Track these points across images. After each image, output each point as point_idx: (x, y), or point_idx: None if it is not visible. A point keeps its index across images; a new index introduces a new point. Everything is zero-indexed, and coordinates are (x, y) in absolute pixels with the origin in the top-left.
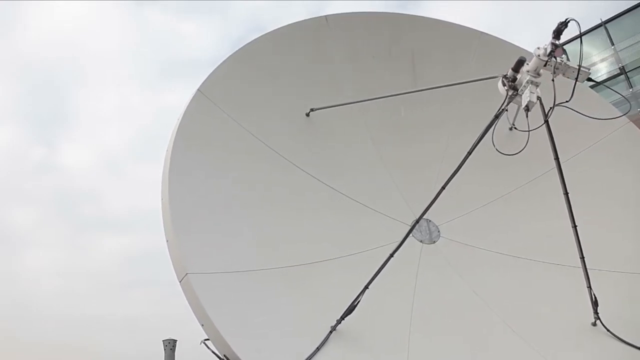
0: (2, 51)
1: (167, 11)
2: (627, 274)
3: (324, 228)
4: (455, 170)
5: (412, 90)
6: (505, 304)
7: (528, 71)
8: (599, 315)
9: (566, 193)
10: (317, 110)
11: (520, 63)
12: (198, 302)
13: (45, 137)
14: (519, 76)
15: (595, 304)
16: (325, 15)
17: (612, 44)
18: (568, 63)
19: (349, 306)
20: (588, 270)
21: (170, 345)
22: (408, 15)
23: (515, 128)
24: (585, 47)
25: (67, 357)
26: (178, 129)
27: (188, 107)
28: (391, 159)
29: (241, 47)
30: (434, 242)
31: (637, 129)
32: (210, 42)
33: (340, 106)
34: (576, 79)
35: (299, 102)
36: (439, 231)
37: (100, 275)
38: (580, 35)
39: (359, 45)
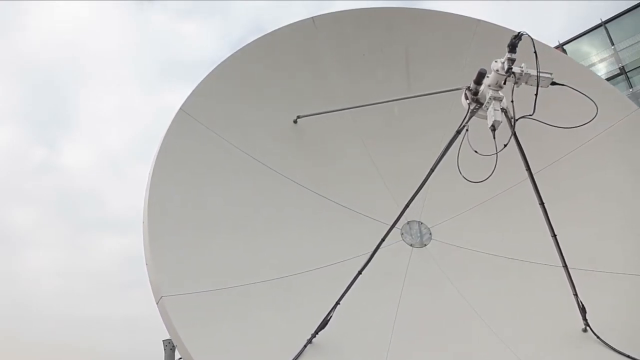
0: (3, 51)
1: (167, 11)
2: (626, 275)
3: (311, 237)
4: (419, 187)
5: (396, 98)
6: (494, 311)
7: (489, 85)
8: (589, 321)
9: (542, 203)
10: (306, 117)
11: (481, 75)
12: (172, 324)
13: (46, 137)
14: (481, 88)
15: (583, 310)
16: (312, 17)
17: (612, 44)
18: (529, 71)
19: (322, 321)
20: (584, 272)
21: (170, 346)
22: (399, 8)
23: (476, 152)
24: (585, 47)
25: (67, 357)
26: (159, 152)
27: (170, 127)
28: (384, 162)
29: (225, 59)
30: (425, 245)
31: None
32: (210, 43)
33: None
34: (536, 94)
35: (287, 111)
36: (430, 233)
37: (100, 275)
38: (535, 51)
39: (350, 45)
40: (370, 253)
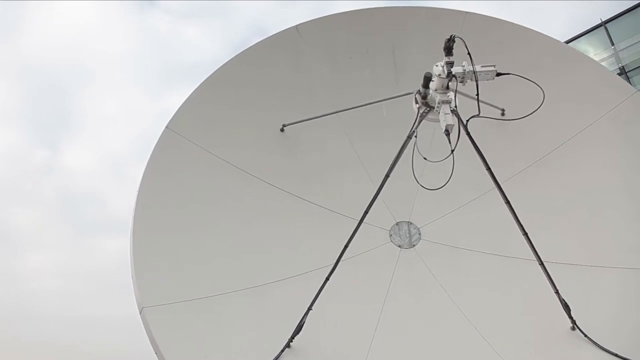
0: (6, 54)
1: (169, 14)
2: (624, 270)
3: (296, 243)
4: (375, 195)
5: (372, 101)
6: (482, 310)
7: (436, 89)
8: (575, 320)
9: (507, 202)
10: (293, 125)
11: (427, 79)
12: (151, 335)
13: (48, 139)
14: (430, 92)
15: (566, 308)
16: (296, 26)
17: (612, 44)
18: (471, 68)
19: (297, 326)
20: (585, 267)
21: None
22: (384, 7)
23: (426, 159)
24: (585, 47)
25: (67, 357)
26: (146, 169)
27: (157, 145)
28: (372, 163)
29: (212, 74)
30: (414, 245)
31: None
32: (212, 44)
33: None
34: (477, 94)
35: (275, 120)
36: (419, 234)
37: (101, 275)
38: (469, 52)
39: (335, 49)
40: (333, 264)
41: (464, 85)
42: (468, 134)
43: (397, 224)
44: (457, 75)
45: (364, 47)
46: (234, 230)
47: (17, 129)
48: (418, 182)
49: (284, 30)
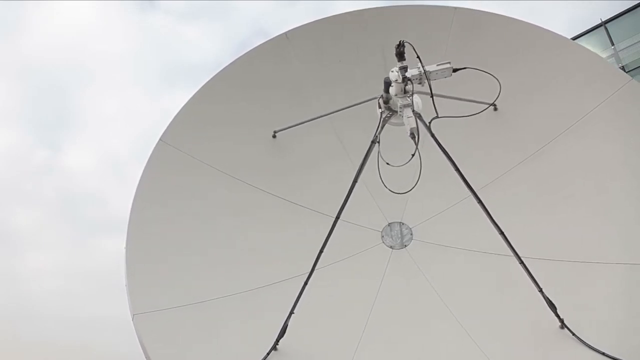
0: (6, 54)
1: (170, 14)
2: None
3: (289, 246)
4: (345, 200)
5: (360, 102)
6: (471, 309)
7: (396, 94)
8: (563, 319)
9: (480, 202)
10: (284, 130)
11: (386, 84)
12: (142, 341)
13: (48, 139)
14: (392, 97)
15: (552, 306)
16: (285, 32)
17: (612, 44)
18: (427, 68)
19: (281, 329)
20: (582, 263)
21: None
22: (373, 8)
23: (388, 164)
24: (585, 47)
25: (67, 357)
26: (140, 180)
27: (151, 157)
28: (366, 168)
29: (203, 85)
30: (405, 246)
31: None
32: (213, 45)
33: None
34: (432, 96)
35: (268, 126)
36: (411, 234)
37: (102, 275)
38: (418, 56)
39: (326, 53)
40: (311, 267)
41: (422, 86)
42: (432, 135)
43: (389, 224)
44: (413, 78)
45: (354, 48)
46: (227, 237)
47: (17, 129)
48: (386, 187)
49: (273, 38)
